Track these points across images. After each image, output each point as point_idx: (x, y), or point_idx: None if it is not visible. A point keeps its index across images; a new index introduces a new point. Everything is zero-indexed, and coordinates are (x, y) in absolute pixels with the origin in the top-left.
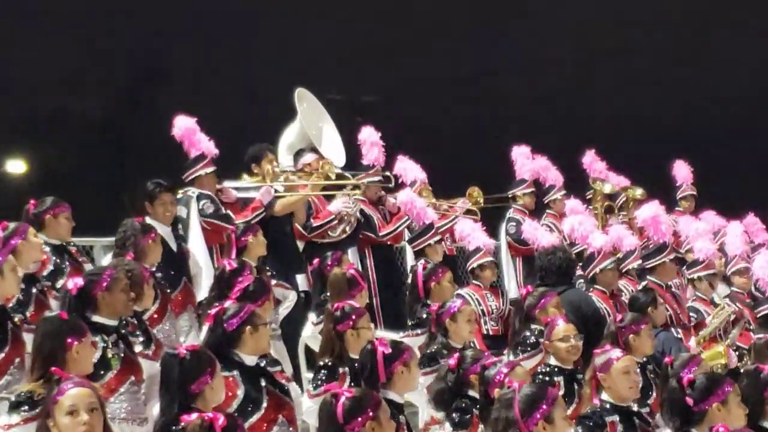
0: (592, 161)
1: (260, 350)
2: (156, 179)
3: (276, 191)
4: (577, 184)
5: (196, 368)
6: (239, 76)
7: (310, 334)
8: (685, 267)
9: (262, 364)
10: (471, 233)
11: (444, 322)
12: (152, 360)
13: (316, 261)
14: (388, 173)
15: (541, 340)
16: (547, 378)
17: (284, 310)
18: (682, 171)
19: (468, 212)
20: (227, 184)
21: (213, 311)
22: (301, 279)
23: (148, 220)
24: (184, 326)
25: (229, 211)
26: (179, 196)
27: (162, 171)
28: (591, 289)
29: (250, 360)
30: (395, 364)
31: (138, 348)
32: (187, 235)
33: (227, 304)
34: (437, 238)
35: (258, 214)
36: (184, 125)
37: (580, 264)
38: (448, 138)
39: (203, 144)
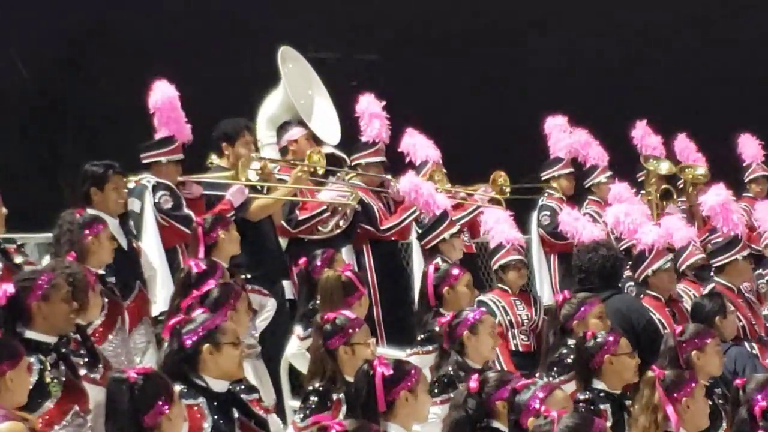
0: (644, 134)
1: (228, 374)
2: (104, 160)
3: (250, 185)
4: (626, 163)
5: (150, 395)
6: (207, 30)
7: (296, 351)
8: (762, 267)
9: (236, 390)
10: (494, 226)
11: (460, 336)
12: (100, 385)
13: (302, 261)
14: (383, 158)
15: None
16: (591, 406)
17: (262, 322)
18: (749, 147)
19: (491, 202)
20: (194, 177)
21: (171, 322)
22: (286, 285)
23: (91, 211)
24: (140, 342)
25: (190, 212)
26: (131, 184)
27: (109, 150)
28: (643, 295)
29: (218, 385)
30: (398, 389)
31: (83, 371)
32: (140, 233)
33: (195, 314)
34: (453, 230)
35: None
36: (165, 95)
37: (629, 264)
38: (467, 108)
39: (178, 126)
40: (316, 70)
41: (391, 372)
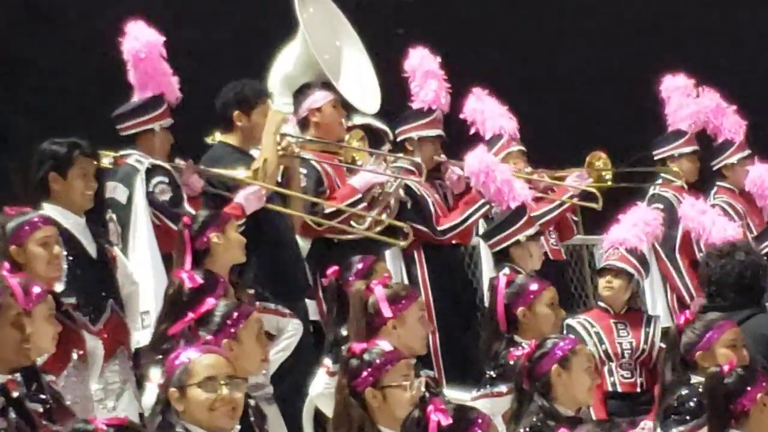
0: None
1: (209, 426)
2: (69, 138)
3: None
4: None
5: None
6: None
7: (324, 390)
8: None
9: None
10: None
11: (547, 373)
12: None
13: (332, 272)
14: (440, 132)
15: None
16: None
17: (280, 353)
18: None
19: (587, 197)
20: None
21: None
22: (309, 304)
23: (48, 207)
24: (113, 383)
25: (189, 208)
26: (108, 163)
27: (74, 123)
28: None
29: None
30: None
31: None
32: (126, 231)
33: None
34: (531, 231)
35: None
36: (146, 40)
37: None
38: (554, 66)
39: (166, 79)
40: (347, 14)
41: (451, 421)
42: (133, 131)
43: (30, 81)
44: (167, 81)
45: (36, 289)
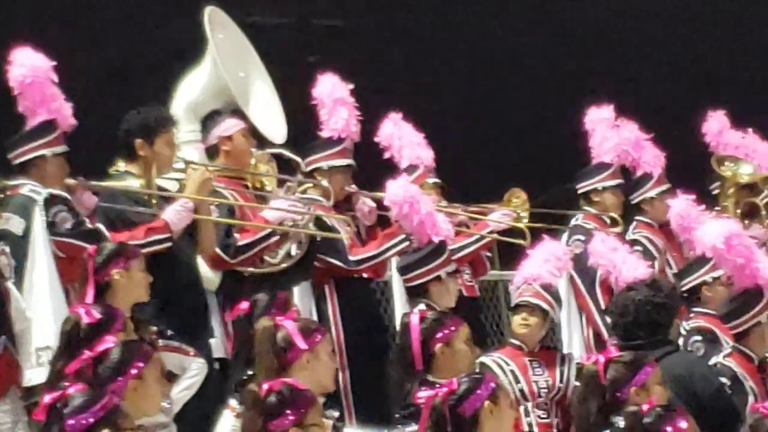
0: (720, 130)
1: None
2: None
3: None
4: (692, 169)
5: None
6: None
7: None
8: None
9: None
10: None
11: (477, 411)
12: None
13: (242, 306)
14: (350, 161)
15: None
16: None
17: (184, 392)
18: None
19: (515, 233)
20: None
21: (47, 399)
22: (215, 342)
23: None
24: (4, 423)
25: (99, 226)
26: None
27: None
28: (730, 351)
29: None
30: None
31: None
32: (22, 263)
33: (75, 390)
34: (450, 268)
35: (157, 242)
36: (31, 65)
37: (696, 309)
38: (472, 93)
39: (57, 105)
40: (256, 41)
41: None
42: (23, 158)
43: None
44: (58, 106)
45: None
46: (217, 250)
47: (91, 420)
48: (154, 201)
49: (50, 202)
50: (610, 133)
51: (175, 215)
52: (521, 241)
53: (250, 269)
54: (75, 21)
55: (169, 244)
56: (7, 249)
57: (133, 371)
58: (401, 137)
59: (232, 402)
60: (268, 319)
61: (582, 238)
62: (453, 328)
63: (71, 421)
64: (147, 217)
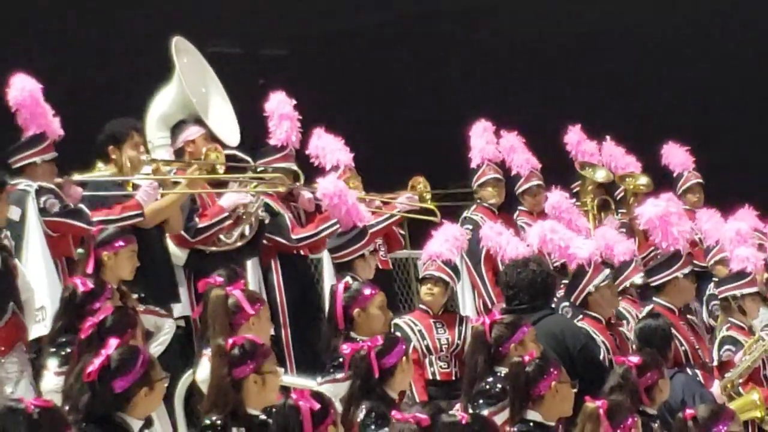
0: (579, 140)
1: (150, 412)
2: None
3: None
4: (565, 171)
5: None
6: (83, 19)
7: (206, 377)
8: (713, 283)
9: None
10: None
11: (395, 364)
12: None
13: (202, 283)
14: (293, 165)
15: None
16: None
17: (158, 347)
18: (676, 155)
19: (427, 213)
20: (76, 177)
21: (93, 367)
22: (182, 305)
23: None
24: (11, 372)
25: (81, 206)
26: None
27: None
28: (581, 316)
29: (136, 425)
30: (325, 425)
31: None
32: (20, 244)
33: (110, 352)
34: (371, 247)
35: (129, 217)
36: (25, 88)
37: (564, 282)
38: (386, 107)
39: (46, 120)
40: (217, 67)
41: (318, 406)
42: (19, 164)
43: None
44: (47, 121)
45: None
46: (182, 231)
47: (135, 378)
48: (130, 188)
49: (40, 192)
50: (479, 142)
51: (144, 194)
52: (433, 218)
53: (212, 248)
54: (67, 46)
55: (141, 219)
56: (8, 233)
57: (130, 331)
58: (324, 147)
59: (207, 352)
60: (220, 288)
61: (470, 227)
62: (368, 296)
63: (117, 381)
64: (122, 199)
